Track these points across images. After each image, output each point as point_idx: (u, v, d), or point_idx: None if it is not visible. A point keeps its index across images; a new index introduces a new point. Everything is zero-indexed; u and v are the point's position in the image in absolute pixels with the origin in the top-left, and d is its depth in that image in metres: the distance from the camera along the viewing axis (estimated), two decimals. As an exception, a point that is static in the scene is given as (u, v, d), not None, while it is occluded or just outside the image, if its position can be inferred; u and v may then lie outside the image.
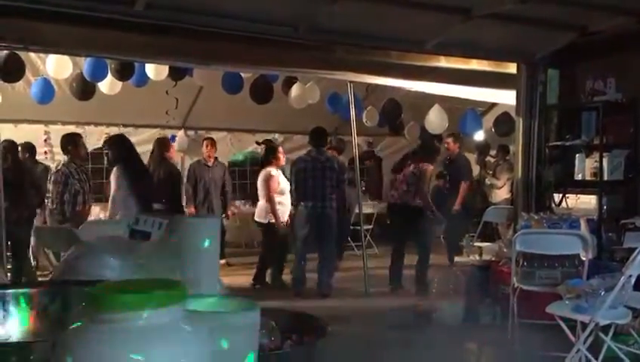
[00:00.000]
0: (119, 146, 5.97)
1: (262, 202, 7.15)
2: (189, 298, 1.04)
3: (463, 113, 9.33)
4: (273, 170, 7.12)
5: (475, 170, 9.50)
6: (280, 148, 7.65)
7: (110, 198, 5.76)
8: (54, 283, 1.86)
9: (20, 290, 1.58)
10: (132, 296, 0.97)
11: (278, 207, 7.02)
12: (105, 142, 6.53)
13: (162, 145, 7.11)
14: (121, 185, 5.60)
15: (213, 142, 8.23)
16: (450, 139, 8.25)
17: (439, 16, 4.89)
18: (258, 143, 9.59)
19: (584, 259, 4.50)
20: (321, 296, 6.63)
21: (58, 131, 7.96)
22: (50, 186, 6.06)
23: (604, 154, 5.26)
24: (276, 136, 10.27)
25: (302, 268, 6.86)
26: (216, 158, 8.18)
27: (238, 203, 9.95)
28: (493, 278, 5.40)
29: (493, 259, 5.67)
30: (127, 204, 5.49)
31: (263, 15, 4.58)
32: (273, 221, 7.02)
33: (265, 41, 4.97)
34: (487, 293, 5.37)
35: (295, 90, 8.33)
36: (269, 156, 7.33)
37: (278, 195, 7.04)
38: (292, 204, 7.01)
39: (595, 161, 5.33)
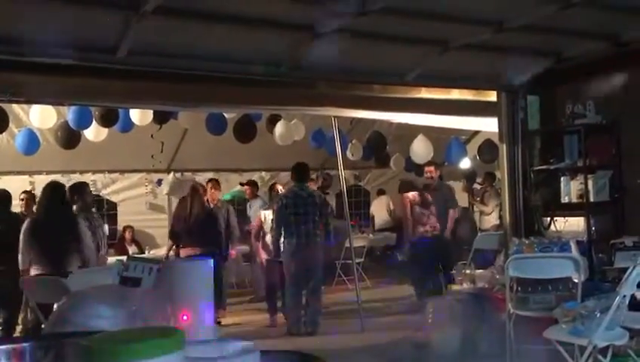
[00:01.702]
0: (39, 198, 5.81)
1: None
2: (187, 344, 1.02)
3: (447, 142, 9.43)
4: None
5: (463, 197, 9.54)
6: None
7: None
8: (47, 337, 1.82)
9: (12, 346, 1.55)
10: (128, 347, 0.95)
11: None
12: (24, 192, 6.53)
13: (196, 190, 6.96)
14: (24, 238, 5.42)
15: (216, 184, 8.03)
16: (432, 167, 8.17)
17: (418, 48, 4.98)
18: (242, 184, 9.56)
19: (577, 281, 4.51)
20: (307, 334, 6.54)
21: (43, 181, 7.89)
22: None
23: (589, 176, 5.33)
24: (263, 174, 10.28)
25: (296, 306, 6.76)
26: (219, 200, 8.01)
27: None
28: (488, 305, 5.37)
29: (486, 286, 5.66)
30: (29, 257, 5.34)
31: (245, 55, 4.63)
32: None
33: (248, 81, 5.02)
34: (482, 321, 5.33)
35: (279, 127, 8.38)
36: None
37: None
38: (273, 242, 6.82)
39: (581, 183, 5.39)
